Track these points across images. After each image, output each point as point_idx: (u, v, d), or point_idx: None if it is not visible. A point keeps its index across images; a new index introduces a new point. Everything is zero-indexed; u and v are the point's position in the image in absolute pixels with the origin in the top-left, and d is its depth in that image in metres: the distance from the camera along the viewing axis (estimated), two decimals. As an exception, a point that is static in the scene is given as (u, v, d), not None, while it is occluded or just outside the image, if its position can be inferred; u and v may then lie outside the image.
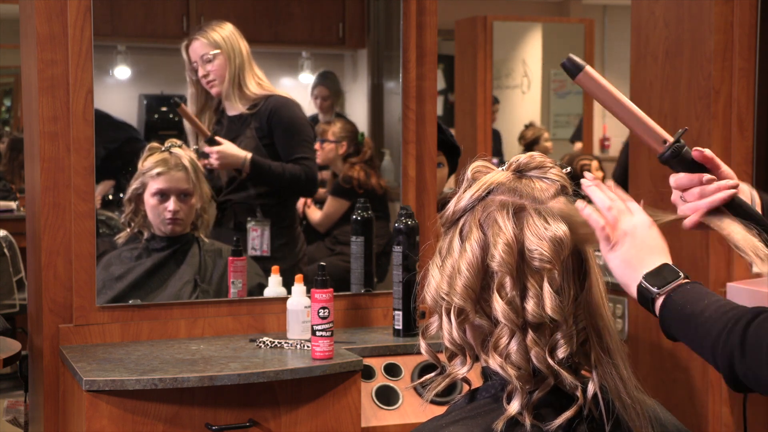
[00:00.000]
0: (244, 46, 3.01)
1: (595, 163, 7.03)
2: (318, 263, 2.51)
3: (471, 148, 6.58)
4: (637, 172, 3.38)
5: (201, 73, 3.00)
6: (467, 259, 1.35)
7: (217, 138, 2.98)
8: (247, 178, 3.04)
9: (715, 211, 1.50)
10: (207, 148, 2.98)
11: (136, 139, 3.10)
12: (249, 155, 2.99)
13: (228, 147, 2.99)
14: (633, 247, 1.36)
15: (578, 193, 1.42)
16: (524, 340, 1.33)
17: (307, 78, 3.44)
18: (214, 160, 2.98)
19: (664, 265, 1.34)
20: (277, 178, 3.06)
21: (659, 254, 1.36)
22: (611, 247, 1.37)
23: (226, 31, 3.00)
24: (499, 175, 1.39)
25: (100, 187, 2.98)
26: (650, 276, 1.34)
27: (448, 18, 7.09)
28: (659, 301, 1.33)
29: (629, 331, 3.26)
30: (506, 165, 1.42)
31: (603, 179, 5.92)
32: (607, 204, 1.39)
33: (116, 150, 2.63)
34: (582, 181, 1.43)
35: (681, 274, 1.34)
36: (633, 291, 1.36)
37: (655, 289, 1.33)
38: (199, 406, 2.29)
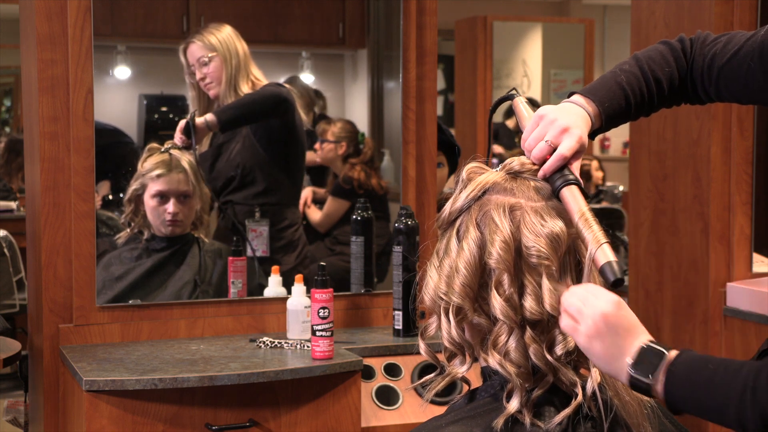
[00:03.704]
0: (241, 47, 3.00)
1: (595, 163, 7.04)
2: (318, 263, 2.51)
3: (471, 148, 6.58)
4: (637, 172, 3.38)
5: (198, 76, 3.00)
6: (465, 258, 1.35)
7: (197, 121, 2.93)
8: (223, 131, 3.00)
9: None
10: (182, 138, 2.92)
11: (124, 143, 3.10)
12: (208, 115, 2.96)
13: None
14: (607, 336, 1.27)
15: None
16: (522, 337, 1.33)
17: (307, 78, 3.44)
18: (182, 143, 2.90)
19: (645, 348, 1.26)
20: (249, 104, 3.02)
21: (634, 335, 1.28)
22: (585, 347, 1.29)
23: (223, 34, 2.99)
24: (493, 175, 1.41)
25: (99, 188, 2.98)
26: (636, 365, 1.26)
27: (448, 18, 7.09)
28: (658, 387, 1.26)
29: (629, 331, 3.26)
30: (500, 166, 1.43)
31: (603, 179, 5.94)
32: (566, 302, 1.30)
33: (100, 153, 2.62)
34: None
35: (665, 350, 1.26)
36: (625, 382, 1.29)
37: (647, 379, 1.26)
38: (199, 406, 2.29)
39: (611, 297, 1.28)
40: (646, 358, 1.26)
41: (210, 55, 2.97)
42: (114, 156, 2.99)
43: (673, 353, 1.26)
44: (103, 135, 2.76)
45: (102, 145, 2.63)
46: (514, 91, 1.56)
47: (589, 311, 1.27)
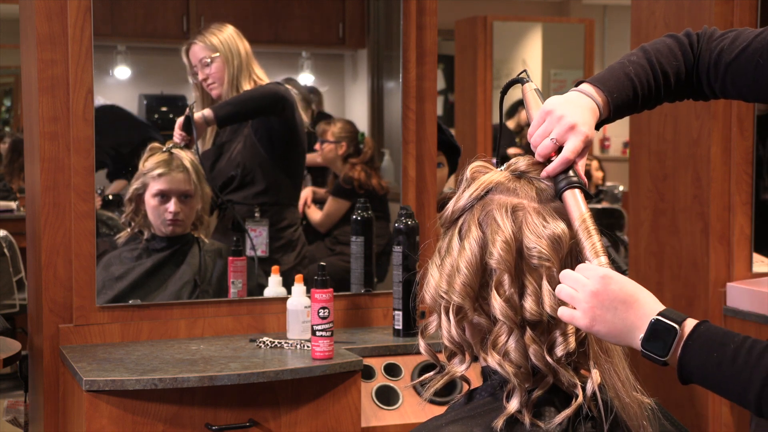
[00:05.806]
0: (243, 47, 3.00)
1: (595, 163, 7.03)
2: (318, 263, 2.51)
3: (471, 148, 6.58)
4: (637, 172, 3.38)
5: (201, 76, 3.01)
6: (466, 258, 1.35)
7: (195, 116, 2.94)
8: (221, 126, 3.01)
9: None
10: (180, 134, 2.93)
11: (154, 138, 3.10)
12: (205, 110, 2.96)
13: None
14: (607, 314, 1.25)
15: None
16: (522, 337, 1.33)
17: (307, 78, 3.44)
18: (181, 139, 2.91)
19: (655, 323, 1.24)
20: (246, 101, 3.02)
21: (636, 306, 1.26)
22: (589, 331, 1.28)
23: (225, 34, 2.99)
24: (497, 175, 1.40)
25: (114, 185, 3.00)
26: (648, 343, 1.24)
27: (448, 18, 7.08)
28: (674, 360, 1.25)
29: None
30: (505, 165, 1.43)
31: (603, 179, 5.94)
32: (559, 290, 1.30)
33: (131, 152, 2.61)
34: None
35: (677, 325, 1.24)
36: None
37: (661, 359, 1.24)
38: (199, 406, 2.29)
39: (597, 273, 1.27)
40: (657, 335, 1.24)
41: (212, 55, 2.97)
42: (141, 154, 2.95)
43: (687, 328, 1.24)
44: (139, 129, 2.74)
45: (134, 143, 2.61)
46: (524, 74, 1.54)
47: (581, 295, 1.26)
